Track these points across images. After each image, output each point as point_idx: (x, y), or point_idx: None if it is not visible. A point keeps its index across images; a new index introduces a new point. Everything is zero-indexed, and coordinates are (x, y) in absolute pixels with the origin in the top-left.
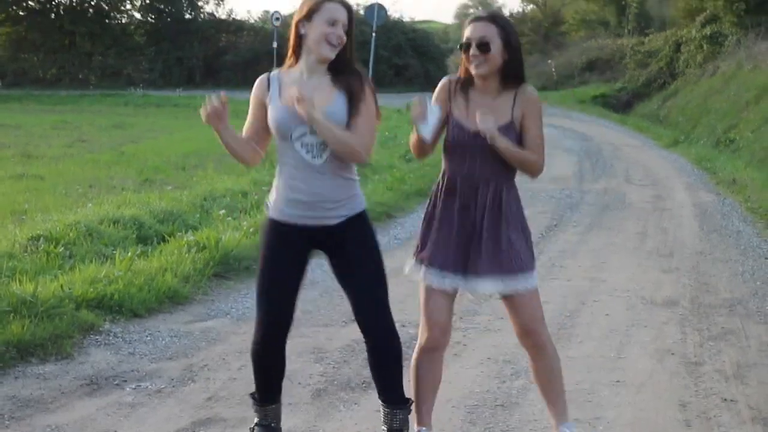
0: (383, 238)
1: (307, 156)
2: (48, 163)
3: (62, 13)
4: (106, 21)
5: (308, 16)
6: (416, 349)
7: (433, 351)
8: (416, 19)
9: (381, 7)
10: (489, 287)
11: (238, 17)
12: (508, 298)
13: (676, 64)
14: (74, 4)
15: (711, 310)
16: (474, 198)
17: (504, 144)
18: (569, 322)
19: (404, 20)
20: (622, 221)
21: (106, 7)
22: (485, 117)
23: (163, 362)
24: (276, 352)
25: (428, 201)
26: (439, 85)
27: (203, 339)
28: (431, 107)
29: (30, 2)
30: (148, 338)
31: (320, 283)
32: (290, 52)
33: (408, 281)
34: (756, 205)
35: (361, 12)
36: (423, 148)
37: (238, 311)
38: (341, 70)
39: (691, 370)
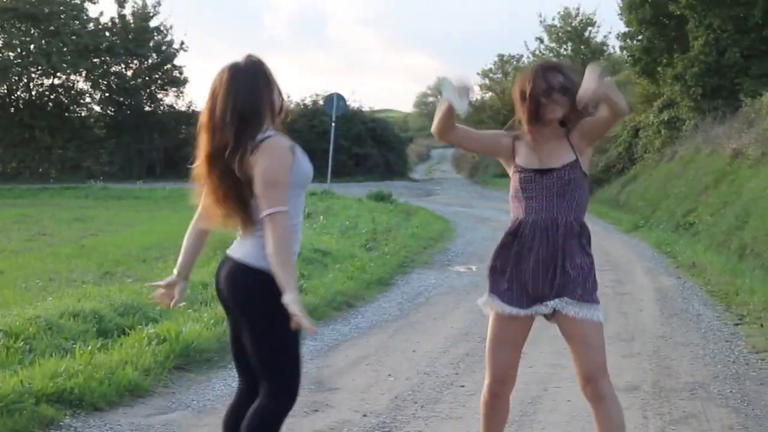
0: (344, 328)
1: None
2: (8, 257)
3: (21, 107)
4: (66, 114)
5: None
6: (484, 392)
7: (496, 397)
8: (375, 108)
9: (340, 97)
10: (571, 310)
11: (198, 109)
12: (575, 335)
13: (635, 149)
14: (33, 98)
15: (672, 394)
16: (548, 236)
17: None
18: (531, 408)
19: (363, 110)
20: None
21: (66, 101)
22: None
23: None
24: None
25: (498, 250)
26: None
27: None
28: (467, 87)
29: None
30: None
31: None
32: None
33: (371, 370)
34: (716, 288)
35: (321, 102)
36: (448, 125)
37: (199, 403)
38: None
39: None
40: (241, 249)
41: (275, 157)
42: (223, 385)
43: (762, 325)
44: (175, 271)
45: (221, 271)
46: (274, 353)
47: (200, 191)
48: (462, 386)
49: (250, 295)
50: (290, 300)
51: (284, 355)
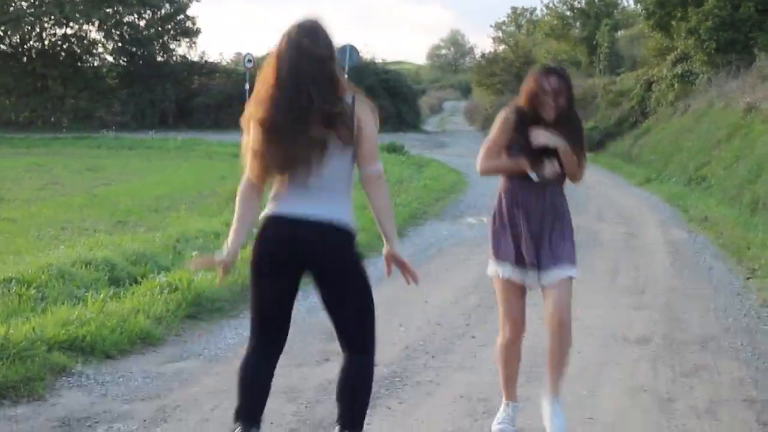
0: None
1: None
2: (20, 206)
3: (34, 56)
4: (78, 64)
5: None
6: (499, 342)
7: (512, 344)
8: (388, 60)
9: (354, 49)
10: (554, 276)
11: (211, 59)
12: (552, 287)
13: (648, 103)
14: (46, 47)
15: (683, 346)
16: (535, 205)
17: (568, 151)
18: (542, 360)
19: (376, 62)
20: (595, 259)
21: (78, 51)
22: (550, 134)
23: (135, 403)
24: None
25: (493, 216)
26: (504, 119)
27: (176, 380)
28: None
29: (2, 46)
30: (121, 380)
31: (293, 323)
32: None
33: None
34: (728, 242)
35: None
36: (495, 174)
37: (211, 352)
38: None
39: (663, 407)
40: (325, 208)
41: (375, 117)
42: (234, 334)
43: None
44: (225, 253)
45: (297, 231)
46: (369, 309)
47: (260, 150)
48: (473, 337)
49: (352, 257)
50: (401, 250)
51: (373, 311)
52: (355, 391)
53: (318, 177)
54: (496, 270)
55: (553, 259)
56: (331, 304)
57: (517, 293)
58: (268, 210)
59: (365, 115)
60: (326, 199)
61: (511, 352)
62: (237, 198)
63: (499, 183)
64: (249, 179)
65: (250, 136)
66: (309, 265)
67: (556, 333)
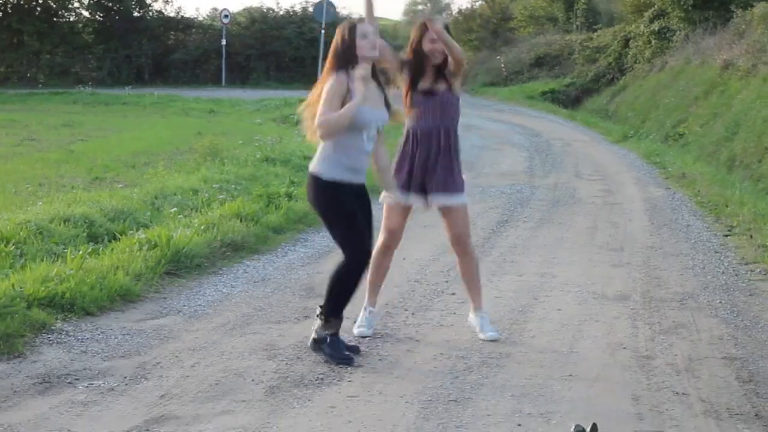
0: None
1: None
2: None
3: (9, 11)
4: (54, 19)
5: None
6: (375, 248)
7: (387, 248)
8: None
9: (330, 4)
10: (441, 200)
11: (187, 15)
12: (448, 212)
13: (625, 60)
14: (21, 2)
15: (662, 304)
16: (431, 141)
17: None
18: (521, 317)
19: (353, 17)
20: (573, 216)
21: (54, 6)
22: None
23: (115, 360)
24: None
25: (397, 151)
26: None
27: (155, 337)
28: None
29: None
30: (100, 336)
31: (272, 280)
32: None
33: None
34: (705, 200)
35: (310, 9)
36: None
37: (191, 309)
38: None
39: (642, 364)
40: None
41: None
42: (214, 290)
43: (751, 237)
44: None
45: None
46: (336, 235)
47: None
48: (453, 294)
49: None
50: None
51: (342, 234)
52: (330, 286)
53: None
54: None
55: (443, 186)
56: None
57: (399, 210)
58: None
59: None
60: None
61: (381, 261)
62: None
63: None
64: None
65: None
66: None
67: (457, 251)
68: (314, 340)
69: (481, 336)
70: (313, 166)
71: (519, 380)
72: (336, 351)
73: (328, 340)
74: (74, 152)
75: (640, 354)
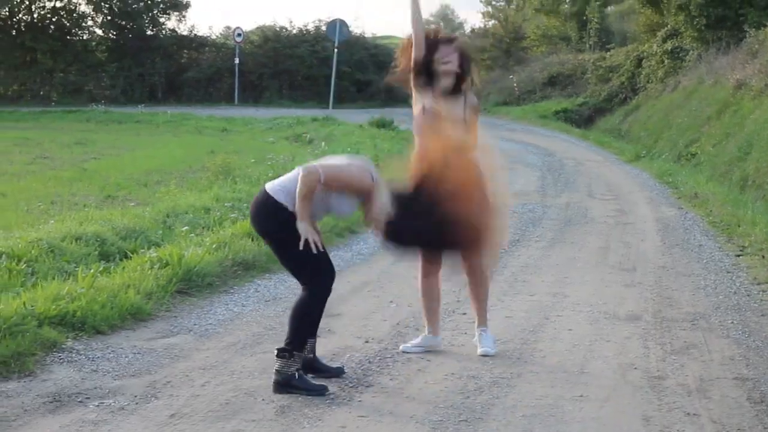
0: (347, 254)
1: None
2: (9, 179)
3: (23, 29)
4: (68, 37)
5: None
6: (420, 274)
7: (426, 278)
8: (378, 34)
9: (343, 23)
10: None
11: (200, 33)
12: None
13: (638, 79)
14: (35, 20)
15: (673, 324)
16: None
17: None
18: (532, 337)
19: (366, 36)
20: (585, 236)
21: (68, 24)
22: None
23: (126, 379)
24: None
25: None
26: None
27: (166, 356)
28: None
29: None
30: (111, 355)
31: (283, 299)
32: None
33: (373, 296)
34: (717, 219)
35: (323, 28)
36: None
37: (201, 327)
38: None
39: (654, 385)
40: None
41: None
42: (225, 309)
43: (763, 257)
44: None
45: None
46: (292, 267)
47: None
48: (464, 314)
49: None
50: None
51: (298, 266)
52: (296, 322)
53: None
54: None
55: None
56: None
57: None
58: None
59: None
60: None
61: (427, 286)
62: None
63: None
64: None
65: None
66: None
67: (469, 272)
68: (277, 383)
69: (479, 351)
70: (274, 190)
71: (530, 400)
72: (309, 384)
73: (297, 376)
74: (87, 170)
75: (651, 374)
